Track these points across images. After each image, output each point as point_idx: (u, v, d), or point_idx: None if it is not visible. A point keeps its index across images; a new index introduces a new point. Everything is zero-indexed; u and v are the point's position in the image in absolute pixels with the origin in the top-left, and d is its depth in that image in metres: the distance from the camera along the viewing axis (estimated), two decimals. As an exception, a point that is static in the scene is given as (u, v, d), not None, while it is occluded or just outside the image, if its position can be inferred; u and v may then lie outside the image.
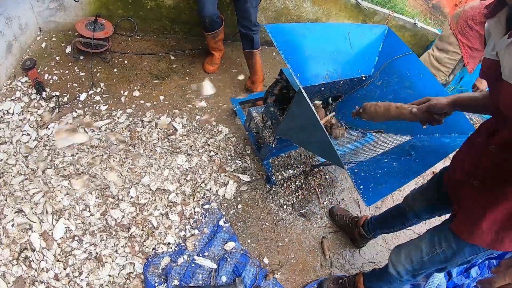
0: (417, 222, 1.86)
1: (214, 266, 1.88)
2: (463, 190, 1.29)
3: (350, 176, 1.33)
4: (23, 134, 2.08)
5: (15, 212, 1.74)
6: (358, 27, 2.09)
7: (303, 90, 1.43)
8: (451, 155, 3.19)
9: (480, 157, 1.20)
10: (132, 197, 1.96)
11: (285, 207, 2.27)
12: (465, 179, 1.27)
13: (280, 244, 2.11)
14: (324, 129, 1.33)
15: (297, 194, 2.34)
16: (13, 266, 1.61)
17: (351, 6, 3.23)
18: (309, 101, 1.38)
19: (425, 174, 3.03)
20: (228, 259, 1.92)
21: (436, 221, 2.59)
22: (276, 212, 2.23)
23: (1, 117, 2.13)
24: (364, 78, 2.15)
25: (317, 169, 2.47)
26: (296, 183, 2.38)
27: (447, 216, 1.49)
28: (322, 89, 1.94)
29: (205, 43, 2.78)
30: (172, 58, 2.86)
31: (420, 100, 1.46)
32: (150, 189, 2.02)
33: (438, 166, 3.06)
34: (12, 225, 1.70)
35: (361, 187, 1.40)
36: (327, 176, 2.51)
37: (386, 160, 1.75)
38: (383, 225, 2.05)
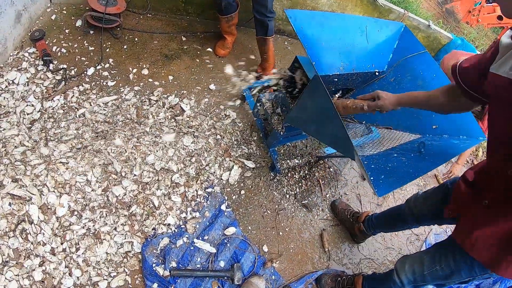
0: (416, 227, 1.85)
1: (213, 250, 1.84)
2: (470, 207, 1.28)
3: (363, 165, 1.28)
4: (27, 105, 2.02)
5: (13, 182, 1.68)
6: (375, 21, 2.04)
7: (319, 77, 1.37)
8: (454, 159, 3.18)
9: (496, 180, 1.18)
10: (135, 175, 1.90)
11: (287, 196, 2.22)
12: (475, 199, 1.26)
13: (281, 233, 2.07)
14: (340, 117, 1.27)
15: (300, 184, 2.29)
16: (9, 238, 1.55)
17: (367, 2, 3.15)
18: (325, 87, 1.33)
19: (427, 175, 3.00)
20: (228, 244, 1.88)
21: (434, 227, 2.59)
22: (279, 200, 2.18)
23: (6, 86, 2.06)
24: (377, 74, 2.09)
25: (322, 161, 2.42)
26: (300, 174, 2.33)
27: (448, 226, 1.48)
28: (336, 80, 1.88)
29: (218, 26, 2.69)
30: (184, 39, 2.77)
31: (372, 94, 1.62)
32: (154, 168, 1.95)
33: (440, 169, 3.07)
34: (11, 196, 1.64)
35: (372, 178, 1.37)
36: (331, 169, 2.46)
37: (395, 155, 1.71)
38: (383, 224, 2.03)
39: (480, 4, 5.12)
